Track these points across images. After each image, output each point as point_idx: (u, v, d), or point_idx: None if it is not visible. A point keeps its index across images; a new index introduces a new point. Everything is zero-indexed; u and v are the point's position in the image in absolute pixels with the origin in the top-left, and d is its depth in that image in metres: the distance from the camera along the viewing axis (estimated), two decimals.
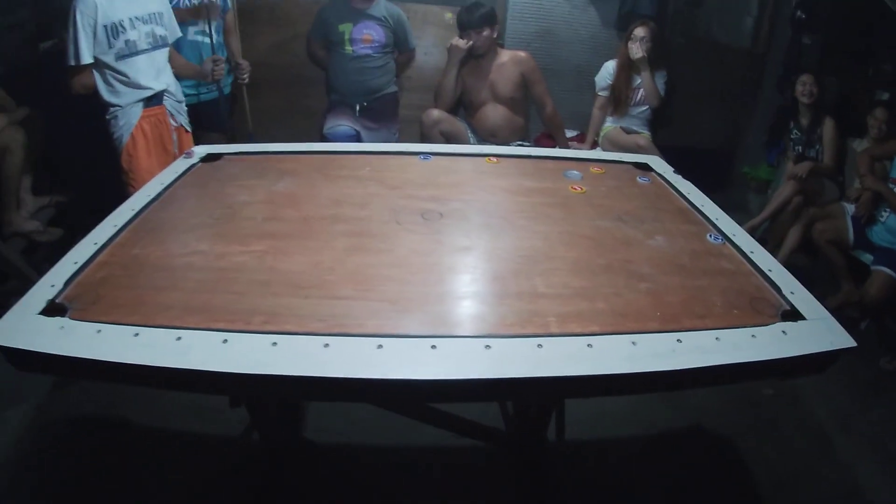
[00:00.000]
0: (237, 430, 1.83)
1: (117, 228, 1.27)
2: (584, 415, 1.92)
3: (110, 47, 2.11)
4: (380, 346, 0.87)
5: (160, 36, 2.27)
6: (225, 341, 0.88)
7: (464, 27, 2.81)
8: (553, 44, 3.49)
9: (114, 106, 2.21)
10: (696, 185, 1.63)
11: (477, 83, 2.94)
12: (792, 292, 1.11)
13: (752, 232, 3.24)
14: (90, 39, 2.06)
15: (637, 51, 3.00)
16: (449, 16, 3.17)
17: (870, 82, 3.33)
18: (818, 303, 1.09)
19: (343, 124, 2.91)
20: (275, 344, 0.87)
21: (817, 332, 1.01)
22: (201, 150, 1.77)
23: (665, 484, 1.80)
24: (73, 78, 2.14)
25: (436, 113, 2.89)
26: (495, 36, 2.87)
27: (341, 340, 0.88)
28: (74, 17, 2.01)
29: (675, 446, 1.97)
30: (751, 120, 3.91)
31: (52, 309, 0.99)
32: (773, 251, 3.04)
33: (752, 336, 0.96)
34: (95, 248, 1.19)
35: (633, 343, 0.92)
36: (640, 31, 3.00)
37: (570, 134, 3.35)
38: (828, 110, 3.14)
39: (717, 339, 0.94)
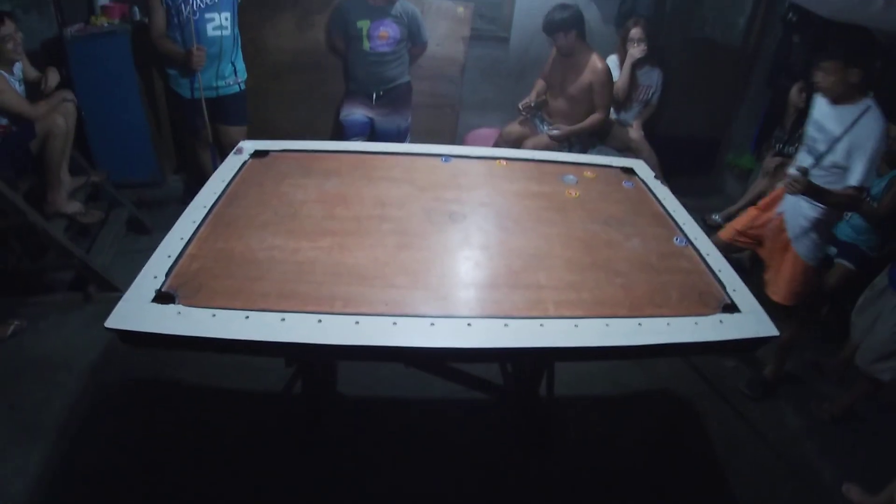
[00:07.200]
0: (278, 386, 2.11)
1: (196, 224, 1.51)
2: (570, 377, 2.27)
3: None
4: (432, 324, 1.20)
5: None
6: (319, 321, 1.18)
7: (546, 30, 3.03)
8: None
9: None
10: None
11: (553, 73, 3.20)
12: (734, 290, 1.43)
13: (729, 218, 3.55)
14: None
15: (639, 52, 3.24)
16: (461, 10, 3.36)
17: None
18: (755, 299, 1.41)
19: (357, 112, 3.19)
20: (357, 322, 1.19)
21: (748, 322, 1.33)
22: (249, 146, 2.01)
23: (634, 433, 2.17)
24: None
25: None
26: (572, 40, 3.01)
27: (404, 319, 1.20)
28: None
29: (645, 405, 2.32)
30: (738, 112, 4.17)
31: (162, 297, 1.22)
32: None
33: (696, 323, 1.30)
34: (182, 242, 1.42)
35: (607, 325, 1.26)
36: (635, 33, 3.22)
37: None
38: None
39: (668, 324, 1.28)
